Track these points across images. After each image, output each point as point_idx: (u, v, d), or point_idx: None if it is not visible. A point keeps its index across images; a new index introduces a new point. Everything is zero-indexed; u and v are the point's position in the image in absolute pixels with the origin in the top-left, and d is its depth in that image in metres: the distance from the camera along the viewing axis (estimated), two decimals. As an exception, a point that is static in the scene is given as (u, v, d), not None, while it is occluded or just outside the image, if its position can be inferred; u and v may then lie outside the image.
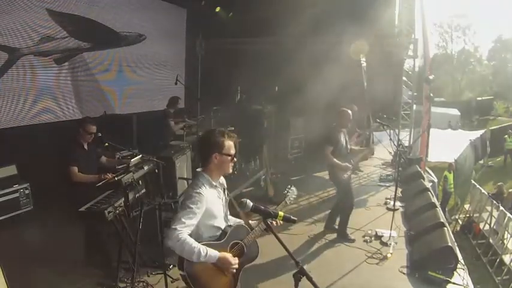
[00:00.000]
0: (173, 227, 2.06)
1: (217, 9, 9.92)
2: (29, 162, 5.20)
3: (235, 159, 2.33)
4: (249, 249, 2.33)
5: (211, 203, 2.21)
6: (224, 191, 2.40)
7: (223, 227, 2.30)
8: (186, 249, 2.03)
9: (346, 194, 5.13)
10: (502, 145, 18.55)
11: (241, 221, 2.46)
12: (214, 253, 2.10)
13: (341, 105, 5.39)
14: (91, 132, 4.09)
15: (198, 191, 2.16)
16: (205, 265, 2.11)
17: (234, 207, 2.50)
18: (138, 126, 7.03)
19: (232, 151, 2.29)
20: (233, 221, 2.46)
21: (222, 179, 2.41)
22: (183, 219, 2.07)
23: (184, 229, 2.06)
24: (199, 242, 2.10)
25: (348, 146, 5.18)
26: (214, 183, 2.29)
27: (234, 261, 2.17)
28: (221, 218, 2.31)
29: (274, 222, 2.26)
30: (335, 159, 4.91)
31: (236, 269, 2.20)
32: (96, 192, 3.72)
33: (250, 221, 2.44)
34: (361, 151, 5.53)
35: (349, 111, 5.15)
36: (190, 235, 2.09)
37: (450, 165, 11.97)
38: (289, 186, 2.63)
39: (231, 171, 2.35)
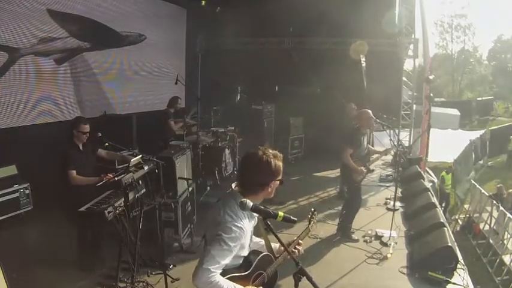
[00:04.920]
0: (206, 267, 1.78)
1: (218, 9, 9.93)
2: (29, 162, 5.19)
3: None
4: (270, 279, 2.17)
5: (246, 235, 1.95)
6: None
7: (246, 255, 2.08)
8: None
9: (355, 196, 5.15)
10: (502, 145, 18.54)
11: (262, 242, 2.23)
12: None
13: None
14: (85, 132, 4.02)
15: (239, 225, 1.86)
16: None
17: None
18: (138, 126, 7.02)
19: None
20: (253, 241, 2.25)
21: None
22: (217, 259, 1.80)
23: (218, 270, 1.82)
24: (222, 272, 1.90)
25: (369, 148, 5.13)
26: (254, 214, 1.94)
27: None
28: (248, 247, 2.09)
29: (297, 251, 2.16)
30: (352, 162, 4.85)
31: None
32: (96, 192, 3.72)
33: (272, 244, 2.19)
34: (379, 153, 5.48)
35: (369, 111, 5.00)
36: None
37: (450, 167, 12.01)
38: (312, 209, 2.44)
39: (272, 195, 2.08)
